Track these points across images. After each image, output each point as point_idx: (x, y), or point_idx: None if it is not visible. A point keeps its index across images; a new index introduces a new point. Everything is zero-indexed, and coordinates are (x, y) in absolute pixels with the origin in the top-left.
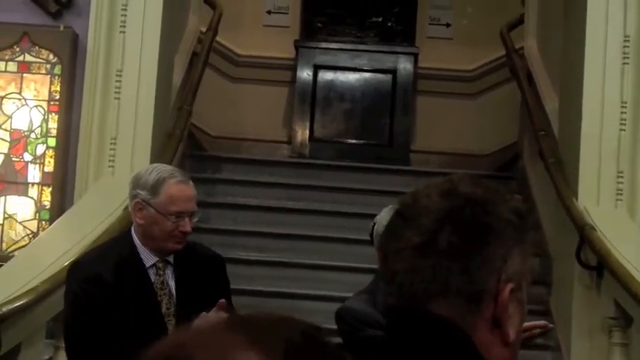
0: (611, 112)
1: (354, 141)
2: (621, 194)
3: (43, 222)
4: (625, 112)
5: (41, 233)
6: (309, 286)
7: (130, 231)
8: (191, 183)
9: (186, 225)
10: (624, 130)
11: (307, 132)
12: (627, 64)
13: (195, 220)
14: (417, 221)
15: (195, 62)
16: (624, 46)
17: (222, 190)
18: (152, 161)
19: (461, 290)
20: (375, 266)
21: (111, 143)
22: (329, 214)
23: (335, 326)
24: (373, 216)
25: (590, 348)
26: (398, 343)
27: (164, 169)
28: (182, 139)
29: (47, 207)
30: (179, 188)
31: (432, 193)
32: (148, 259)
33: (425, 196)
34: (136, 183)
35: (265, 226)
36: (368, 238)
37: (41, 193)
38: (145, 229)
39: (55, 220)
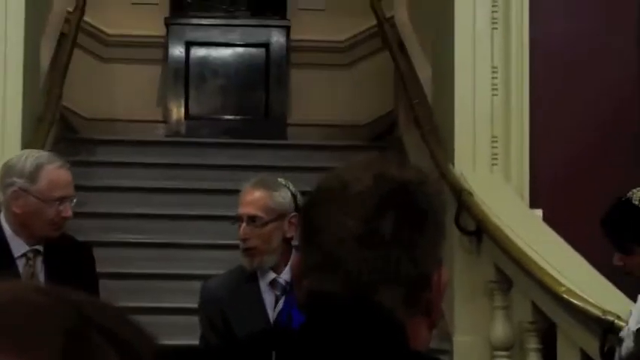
0: (482, 78)
1: (230, 117)
2: (496, 159)
3: None
4: (496, 78)
5: None
6: (194, 265)
7: None
8: (68, 166)
9: (68, 210)
10: (496, 95)
11: (182, 110)
12: (496, 29)
13: (73, 204)
14: (355, 208)
15: (63, 43)
16: (493, 11)
17: (97, 172)
18: (23, 147)
19: (409, 277)
20: None
21: None
22: (209, 192)
23: None
24: None
25: (473, 312)
26: (329, 331)
27: (39, 154)
28: (54, 123)
29: None
30: (59, 173)
31: (362, 177)
32: (19, 248)
33: (355, 181)
34: (10, 171)
35: (144, 207)
36: None
37: None
38: (22, 218)
39: None
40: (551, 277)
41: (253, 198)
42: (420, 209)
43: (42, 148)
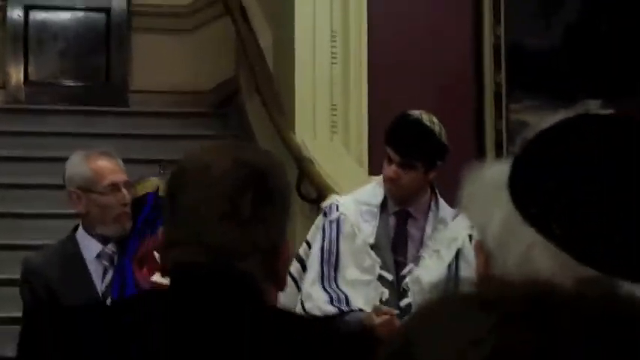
0: (322, 47)
1: (70, 83)
2: (336, 127)
3: None
4: (335, 47)
5: None
6: (34, 236)
7: None
8: None
9: None
10: (336, 63)
11: (22, 75)
12: None
13: None
14: (218, 189)
15: None
16: None
17: None
18: None
19: (264, 249)
20: None
21: None
22: (51, 160)
23: None
24: None
25: None
26: (195, 295)
27: None
28: None
29: None
30: None
31: (222, 161)
32: None
33: (217, 165)
34: None
35: None
36: None
37: None
38: None
39: None
40: None
41: (118, 166)
42: (271, 190)
43: None
